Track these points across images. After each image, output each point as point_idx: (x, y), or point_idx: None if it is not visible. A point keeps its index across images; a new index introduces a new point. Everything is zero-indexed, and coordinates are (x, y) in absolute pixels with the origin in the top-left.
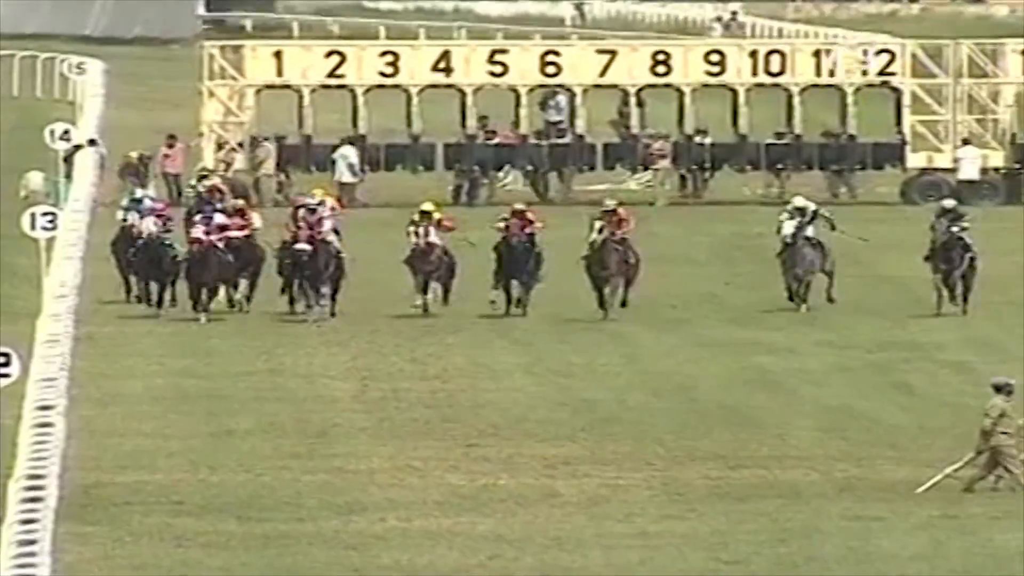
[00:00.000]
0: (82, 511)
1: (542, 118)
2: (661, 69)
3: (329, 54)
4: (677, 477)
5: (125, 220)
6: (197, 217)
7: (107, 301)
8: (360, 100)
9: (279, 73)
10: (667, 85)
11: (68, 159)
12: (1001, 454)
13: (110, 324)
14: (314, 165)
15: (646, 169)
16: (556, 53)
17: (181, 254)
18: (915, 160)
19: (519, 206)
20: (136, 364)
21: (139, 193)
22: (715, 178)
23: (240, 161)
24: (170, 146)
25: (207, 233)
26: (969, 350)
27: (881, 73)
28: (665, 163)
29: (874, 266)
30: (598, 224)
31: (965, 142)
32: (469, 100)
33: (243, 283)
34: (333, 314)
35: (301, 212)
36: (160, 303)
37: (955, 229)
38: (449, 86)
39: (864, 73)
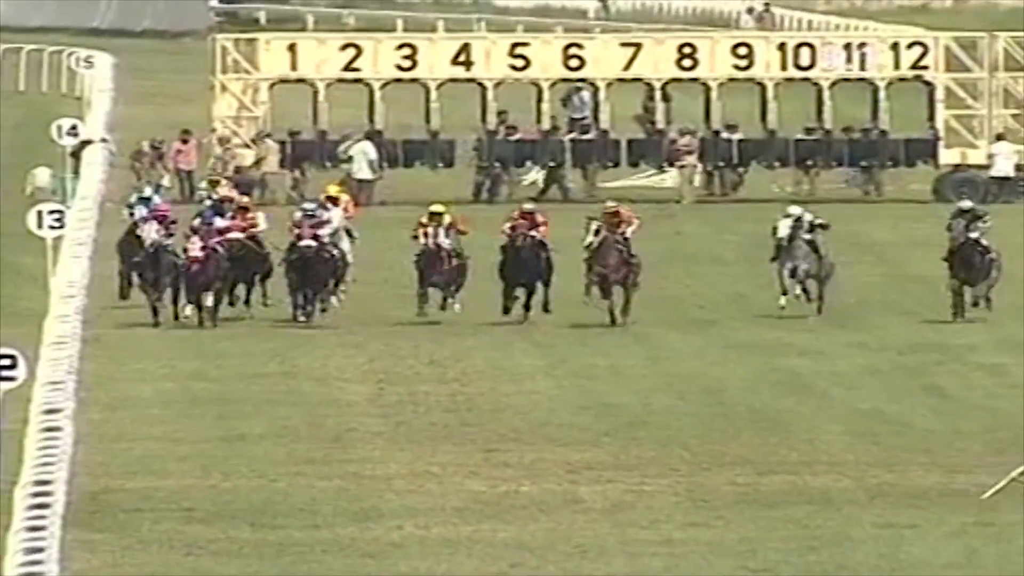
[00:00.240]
0: (90, 518)
1: (565, 115)
2: (687, 63)
3: (345, 47)
4: (703, 483)
5: (132, 215)
6: (196, 222)
7: (116, 302)
8: (377, 95)
9: (293, 67)
10: (693, 79)
11: (75, 155)
12: None
13: (119, 326)
14: (329, 161)
15: (671, 165)
16: (579, 46)
17: (182, 261)
18: (948, 156)
19: (528, 207)
20: (146, 367)
21: (147, 191)
22: (733, 174)
23: (244, 158)
24: (184, 141)
25: (203, 248)
26: (1002, 352)
27: (914, 67)
28: (692, 159)
29: (905, 265)
30: (594, 226)
31: (999, 137)
32: (489, 95)
33: (241, 287)
34: (324, 309)
35: (298, 216)
36: (156, 312)
37: (974, 234)
38: (469, 80)
39: (891, 68)
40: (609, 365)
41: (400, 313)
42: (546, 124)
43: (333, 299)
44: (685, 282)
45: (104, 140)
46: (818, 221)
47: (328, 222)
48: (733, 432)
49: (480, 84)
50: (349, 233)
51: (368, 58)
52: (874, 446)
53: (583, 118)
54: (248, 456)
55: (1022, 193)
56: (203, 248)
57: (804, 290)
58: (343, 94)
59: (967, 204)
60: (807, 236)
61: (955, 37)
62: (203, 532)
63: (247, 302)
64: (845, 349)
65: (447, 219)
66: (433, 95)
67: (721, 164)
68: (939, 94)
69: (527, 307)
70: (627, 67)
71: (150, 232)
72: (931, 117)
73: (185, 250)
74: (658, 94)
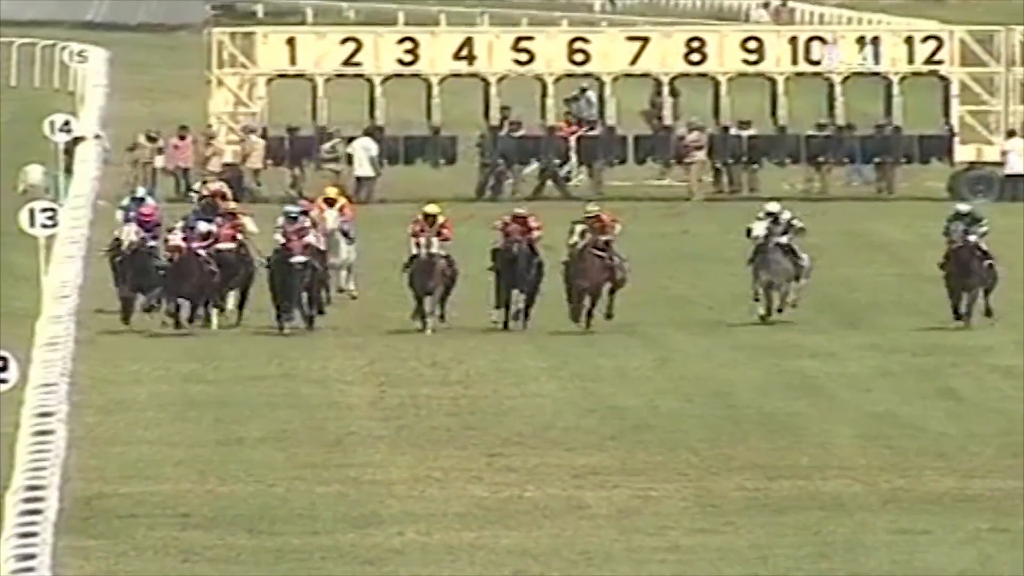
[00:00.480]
0: (84, 524)
1: (573, 115)
2: (695, 57)
3: (344, 41)
4: (712, 488)
5: (127, 218)
6: (178, 224)
7: (110, 304)
8: (377, 90)
9: (292, 61)
10: (702, 74)
11: (68, 151)
12: None
13: (113, 327)
14: (314, 161)
15: (679, 162)
16: (585, 40)
17: (163, 263)
18: (964, 153)
19: (519, 211)
20: (141, 369)
21: (140, 192)
22: (753, 172)
23: (230, 155)
24: (181, 138)
25: (186, 240)
26: (1018, 354)
27: (928, 61)
28: (700, 156)
29: (919, 265)
30: (579, 228)
31: (1011, 134)
32: (492, 90)
33: (232, 296)
34: (311, 327)
35: (280, 221)
36: (128, 313)
37: (972, 237)
38: (471, 75)
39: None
40: (615, 367)
41: (401, 314)
42: (551, 120)
43: (314, 310)
44: (693, 282)
45: (98, 136)
46: (796, 223)
47: (311, 229)
48: (742, 436)
49: (483, 79)
50: (347, 235)
51: (369, 52)
52: (887, 450)
53: (591, 119)
54: (246, 460)
55: None
56: (184, 240)
57: (779, 298)
58: (343, 89)
59: (964, 207)
60: (782, 239)
61: (970, 31)
62: (200, 538)
63: (240, 307)
64: (857, 351)
65: (441, 220)
66: (435, 90)
67: (731, 161)
68: (954, 89)
69: (517, 314)
70: (634, 61)
71: (130, 234)
72: (946, 113)
73: (166, 241)
74: (666, 89)
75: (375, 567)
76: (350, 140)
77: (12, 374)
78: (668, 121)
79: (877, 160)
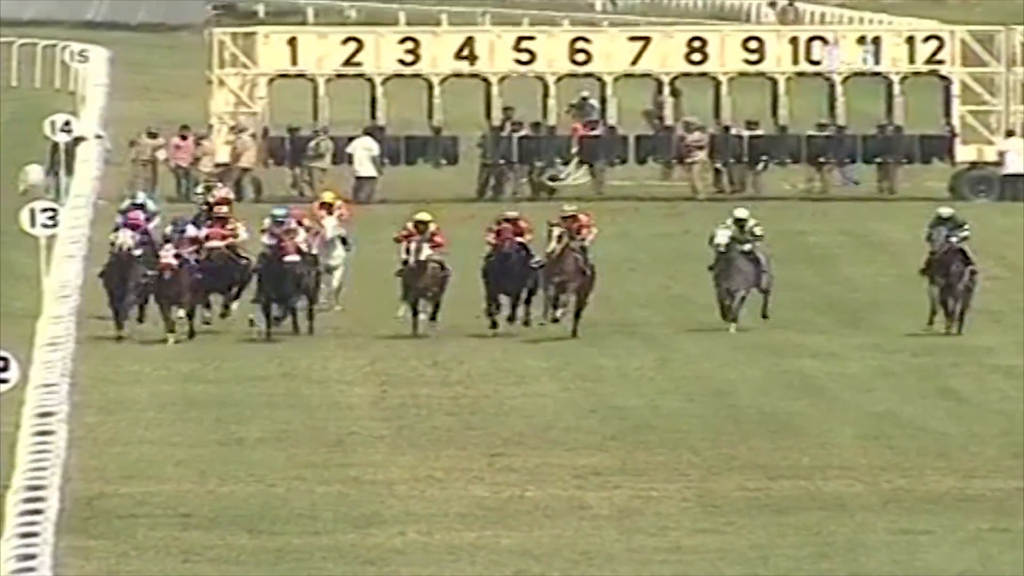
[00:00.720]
0: (84, 524)
1: (578, 121)
2: (697, 57)
3: (346, 41)
4: (713, 488)
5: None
6: (168, 230)
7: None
8: (379, 90)
9: (293, 61)
10: (703, 74)
11: (55, 149)
12: None
13: (114, 327)
14: (298, 161)
15: (681, 162)
16: (586, 40)
17: (152, 272)
18: (965, 153)
19: (511, 213)
20: (141, 369)
21: (141, 196)
22: (751, 172)
23: (225, 156)
24: (183, 137)
25: (177, 256)
26: (1019, 354)
27: (929, 61)
28: (702, 156)
29: (920, 265)
30: (557, 231)
31: (1010, 133)
32: (494, 90)
33: (219, 298)
34: (296, 331)
35: (267, 222)
36: (121, 323)
37: (954, 240)
38: (473, 75)
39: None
40: (616, 367)
41: (402, 314)
42: (552, 120)
43: (313, 311)
44: (694, 282)
45: (99, 136)
46: (756, 230)
47: (300, 231)
48: (743, 436)
49: (484, 79)
50: (344, 240)
51: (370, 52)
52: (888, 450)
53: (595, 120)
54: (246, 461)
55: None
56: (176, 256)
57: (739, 303)
58: (344, 89)
59: (946, 211)
60: (745, 247)
61: (971, 30)
62: (200, 538)
63: (225, 313)
64: (858, 351)
65: (432, 228)
66: (436, 90)
67: (731, 161)
68: (955, 89)
69: (516, 317)
70: (635, 61)
71: (124, 240)
72: (947, 113)
73: (157, 257)
74: (667, 89)
75: (376, 567)
76: (351, 140)
77: (13, 374)
78: (669, 121)
79: (878, 160)
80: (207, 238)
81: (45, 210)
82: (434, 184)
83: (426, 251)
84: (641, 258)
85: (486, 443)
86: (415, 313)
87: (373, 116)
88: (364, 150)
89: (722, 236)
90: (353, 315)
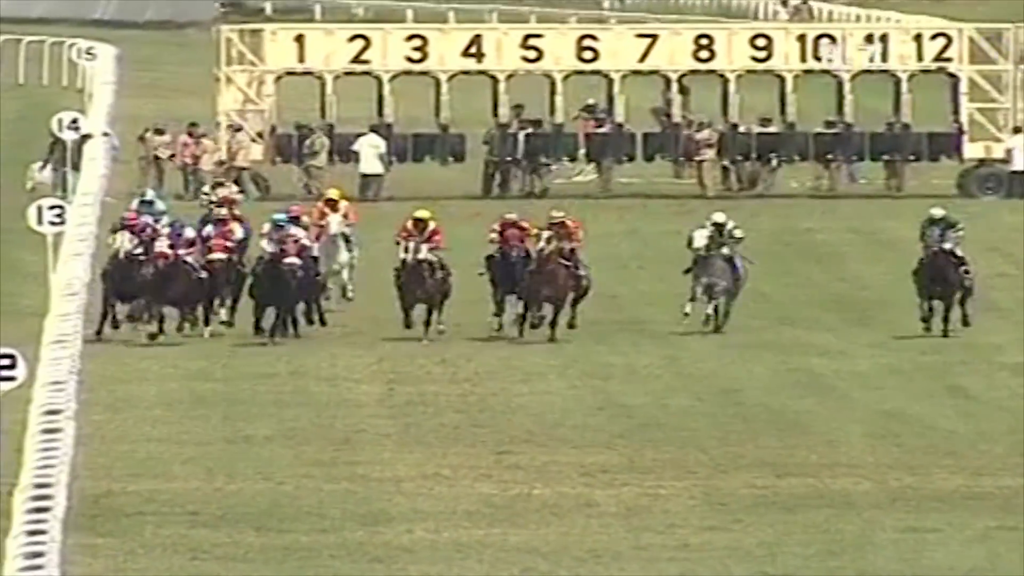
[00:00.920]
0: (92, 522)
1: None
2: (704, 54)
3: (353, 38)
4: (721, 486)
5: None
6: (165, 230)
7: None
8: (386, 87)
9: (300, 58)
10: (711, 71)
11: (74, 148)
12: None
13: (122, 324)
14: (337, 156)
15: (689, 160)
16: (593, 37)
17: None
18: (973, 150)
19: (512, 216)
20: (149, 366)
21: (150, 194)
22: (752, 169)
23: (224, 154)
24: (191, 135)
25: (172, 247)
26: None
27: (937, 59)
28: (710, 154)
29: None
30: (546, 234)
31: (1017, 130)
32: (501, 87)
33: (219, 303)
34: (297, 335)
35: (267, 227)
36: (116, 323)
37: (948, 244)
38: (480, 72)
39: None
40: (624, 365)
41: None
42: (559, 117)
43: (315, 316)
44: None
45: (106, 134)
46: (736, 233)
47: (302, 235)
48: (751, 434)
49: (492, 76)
50: (347, 240)
51: (377, 50)
52: (896, 448)
53: (602, 118)
54: (254, 458)
55: None
56: (171, 247)
57: (715, 308)
58: (351, 87)
59: (939, 212)
60: (724, 250)
61: (979, 28)
62: (208, 536)
63: (228, 322)
64: (866, 348)
65: (432, 226)
66: (444, 88)
67: (739, 159)
68: (963, 86)
69: (521, 320)
70: (643, 59)
71: (123, 242)
72: (955, 110)
73: (146, 252)
74: (675, 86)
75: (384, 565)
76: (357, 137)
77: (20, 372)
78: (676, 118)
79: (886, 158)
80: (209, 249)
81: (52, 207)
82: (441, 181)
83: (424, 251)
84: (649, 256)
85: (494, 441)
86: (407, 315)
87: (380, 113)
88: (370, 147)
89: (700, 238)
90: (361, 313)
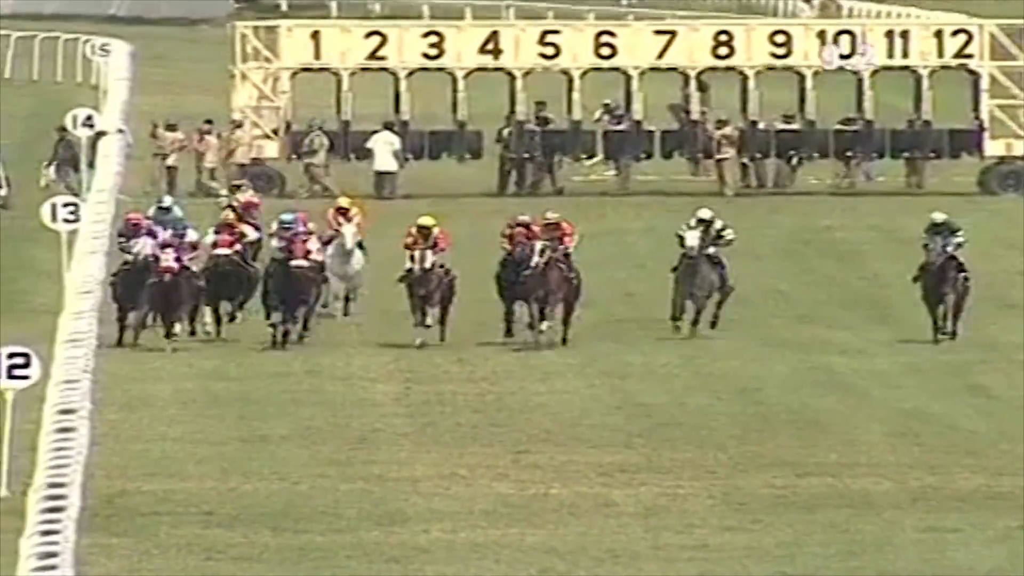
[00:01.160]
0: (106, 522)
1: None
2: (723, 51)
3: (369, 35)
4: (740, 485)
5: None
6: (168, 235)
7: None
8: (402, 84)
9: (316, 55)
10: (729, 68)
11: (65, 146)
12: None
13: (120, 333)
14: (352, 153)
15: (709, 157)
16: (611, 34)
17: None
18: (994, 148)
19: (523, 218)
20: (164, 365)
21: (167, 200)
22: (768, 165)
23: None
24: (207, 132)
25: (178, 259)
26: None
27: (958, 55)
28: (731, 152)
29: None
30: (539, 245)
31: None
32: (518, 84)
33: (226, 306)
34: (301, 338)
35: (274, 227)
36: (123, 331)
37: (950, 248)
38: (497, 69)
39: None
40: (642, 363)
41: None
42: (577, 114)
43: (309, 321)
44: None
45: (120, 131)
46: (726, 234)
47: (311, 236)
48: (770, 433)
49: (509, 73)
50: (360, 246)
51: (393, 46)
52: (916, 447)
53: (620, 115)
54: (270, 458)
55: None
56: (177, 260)
57: (698, 312)
58: (367, 83)
59: (940, 217)
60: (711, 250)
61: (1000, 24)
62: (223, 536)
63: (232, 319)
64: (886, 347)
65: (436, 233)
66: (460, 84)
67: (758, 156)
68: (984, 83)
69: (531, 325)
70: (661, 55)
71: (144, 248)
72: (976, 107)
73: (156, 260)
74: (693, 83)
75: (400, 565)
76: (372, 134)
77: (34, 371)
78: (695, 115)
79: (906, 155)
80: (214, 245)
81: (67, 205)
82: (458, 179)
83: (430, 259)
84: (667, 254)
85: (511, 440)
86: (424, 324)
87: (397, 110)
88: (385, 144)
89: (692, 239)
90: (377, 312)
